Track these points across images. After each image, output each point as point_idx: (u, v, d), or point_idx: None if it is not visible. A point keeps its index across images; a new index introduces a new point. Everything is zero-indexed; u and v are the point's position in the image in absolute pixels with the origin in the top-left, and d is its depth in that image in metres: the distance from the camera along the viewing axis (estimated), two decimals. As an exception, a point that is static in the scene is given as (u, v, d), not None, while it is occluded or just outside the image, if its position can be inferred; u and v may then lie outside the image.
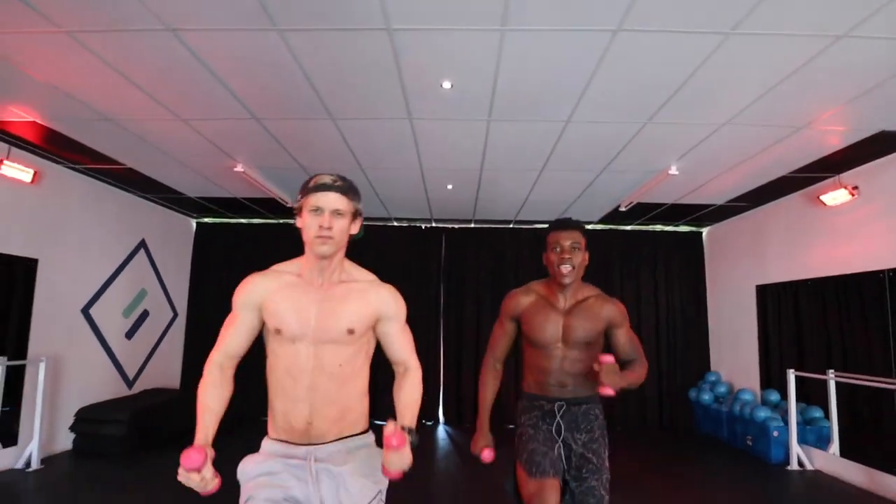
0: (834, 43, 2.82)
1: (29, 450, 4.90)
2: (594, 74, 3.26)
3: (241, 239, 8.00)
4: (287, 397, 1.72)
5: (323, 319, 1.71)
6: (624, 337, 2.23)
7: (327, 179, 1.68)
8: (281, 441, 1.75)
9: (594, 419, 2.20)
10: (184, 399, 6.67)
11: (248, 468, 1.75)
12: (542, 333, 2.17)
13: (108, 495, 4.32)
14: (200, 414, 1.68)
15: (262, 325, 1.82)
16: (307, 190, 1.68)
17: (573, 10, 2.60)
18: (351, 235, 1.76)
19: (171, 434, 6.20)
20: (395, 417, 1.64)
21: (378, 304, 1.78)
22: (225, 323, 1.87)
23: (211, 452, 1.57)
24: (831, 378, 5.16)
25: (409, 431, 1.59)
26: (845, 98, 3.49)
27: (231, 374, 1.86)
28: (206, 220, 8.04)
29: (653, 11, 2.58)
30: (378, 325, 1.80)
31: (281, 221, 7.97)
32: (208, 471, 1.52)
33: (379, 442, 1.68)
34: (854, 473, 4.88)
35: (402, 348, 1.83)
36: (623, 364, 2.20)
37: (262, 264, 7.11)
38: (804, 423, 5.61)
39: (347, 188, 1.70)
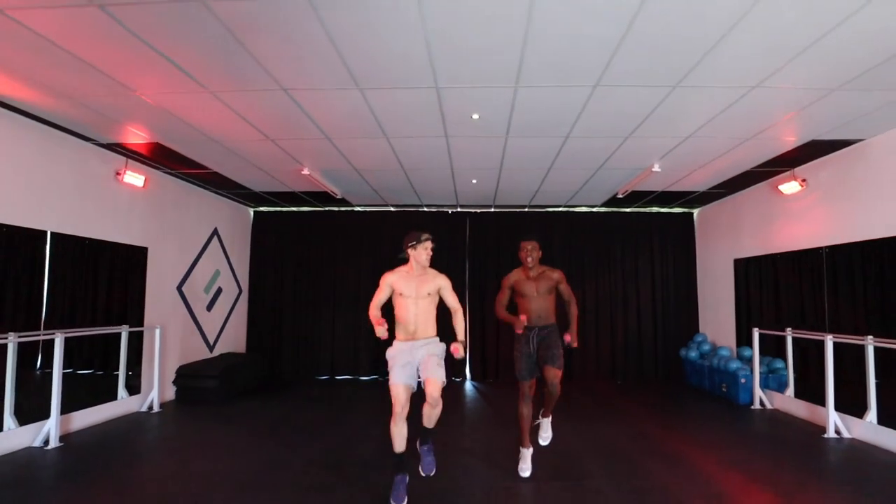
0: (751, 90, 3.98)
1: (151, 397, 6.34)
2: (583, 111, 4.45)
3: (292, 224, 9.33)
4: (405, 322, 3.73)
5: (418, 288, 3.74)
6: (564, 286, 4.24)
7: (429, 236, 3.82)
8: (400, 342, 3.74)
9: (555, 332, 4.15)
10: (252, 360, 8.12)
11: (390, 350, 3.76)
12: (526, 290, 4.18)
13: (221, 426, 5.73)
14: (376, 318, 3.55)
15: (392, 292, 3.77)
16: (421, 239, 3.77)
17: (565, 74, 3.78)
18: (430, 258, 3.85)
19: (248, 388, 7.67)
20: (455, 338, 3.67)
21: (439, 281, 3.83)
22: (377, 290, 3.81)
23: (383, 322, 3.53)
24: (788, 334, 6.34)
25: (461, 342, 3.61)
26: (779, 118, 4.61)
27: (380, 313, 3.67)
28: (262, 208, 9.36)
29: (619, 75, 3.76)
30: (440, 291, 3.84)
31: (327, 209, 9.26)
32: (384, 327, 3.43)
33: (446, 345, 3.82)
34: (801, 409, 6.11)
35: (452, 300, 3.87)
36: (566, 303, 4.25)
37: (311, 246, 8.90)
38: (769, 372, 6.82)
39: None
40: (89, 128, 5.06)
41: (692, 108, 4.44)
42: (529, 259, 4.14)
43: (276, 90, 4.10)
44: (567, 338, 4.07)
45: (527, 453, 4.16)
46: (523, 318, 4.02)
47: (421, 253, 3.71)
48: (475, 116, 4.66)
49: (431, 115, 4.64)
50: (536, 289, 4.14)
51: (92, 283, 5.81)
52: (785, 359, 6.54)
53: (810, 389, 6.13)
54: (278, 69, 3.73)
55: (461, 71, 3.75)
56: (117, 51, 3.47)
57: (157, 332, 6.38)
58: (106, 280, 6.01)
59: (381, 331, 3.40)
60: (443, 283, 3.78)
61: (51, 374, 5.01)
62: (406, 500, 3.52)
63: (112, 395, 6.03)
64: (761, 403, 6.60)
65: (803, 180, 6.04)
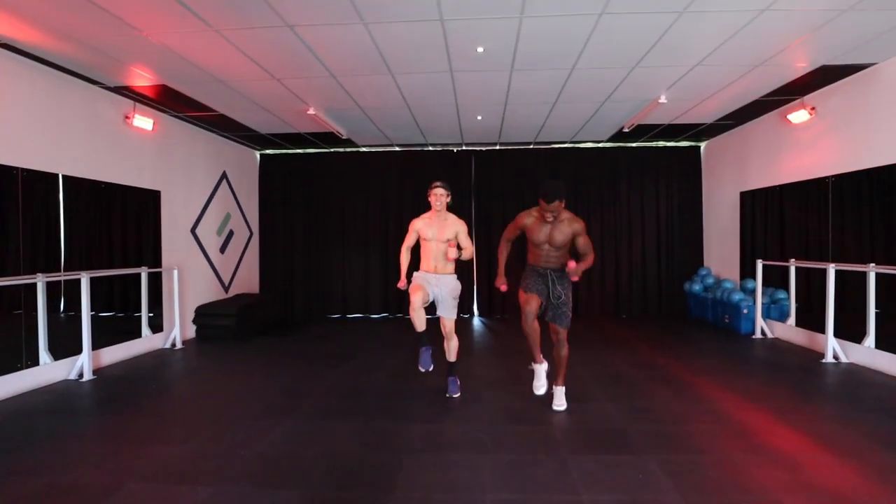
0: (761, 13, 3.91)
1: (173, 334, 6.63)
2: (589, 39, 4.40)
3: (298, 166, 9.39)
4: (428, 258, 4.36)
5: (439, 232, 4.30)
6: (582, 241, 3.85)
7: (438, 183, 4.36)
8: (423, 271, 4.36)
9: (566, 279, 3.95)
10: (266, 300, 8.38)
11: (415, 274, 4.38)
12: (538, 238, 3.90)
13: (240, 361, 6.03)
14: (403, 269, 4.43)
15: (418, 235, 4.39)
16: (431, 186, 4.35)
17: (570, 1, 3.73)
18: (447, 203, 4.35)
19: (265, 325, 7.99)
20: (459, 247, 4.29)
21: (456, 227, 4.34)
22: (406, 234, 4.46)
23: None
24: (791, 265, 6.46)
25: (457, 248, 4.24)
26: (789, 42, 4.53)
27: (409, 253, 4.47)
28: (268, 151, 9.39)
29: (626, 3, 3.71)
30: (457, 235, 4.31)
31: (332, 150, 9.27)
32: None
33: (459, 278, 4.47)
34: (801, 337, 6.32)
35: (465, 242, 4.34)
36: (581, 255, 3.89)
37: (318, 188, 9.04)
38: (771, 302, 6.99)
39: (448, 185, 4.42)
40: (96, 70, 5.06)
41: (700, 35, 4.37)
42: (549, 216, 3.75)
43: (282, 27, 4.07)
44: (571, 264, 3.76)
45: (540, 369, 4.08)
46: (503, 287, 4.15)
47: (431, 199, 4.31)
48: (480, 50, 4.62)
49: (436, 50, 4.60)
50: (550, 238, 3.84)
51: (107, 226, 5.97)
52: (788, 289, 6.68)
53: (811, 318, 6.30)
54: (283, 4, 3.70)
55: (466, 1, 3.71)
56: (120, -13, 3.46)
57: (175, 273, 6.59)
58: (121, 223, 6.17)
59: (402, 284, 4.38)
60: (459, 229, 4.35)
61: (75, 316, 5.25)
62: (432, 367, 4.33)
63: (136, 334, 6.31)
64: (762, 333, 6.82)
65: (812, 108, 5.98)
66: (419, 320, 4.18)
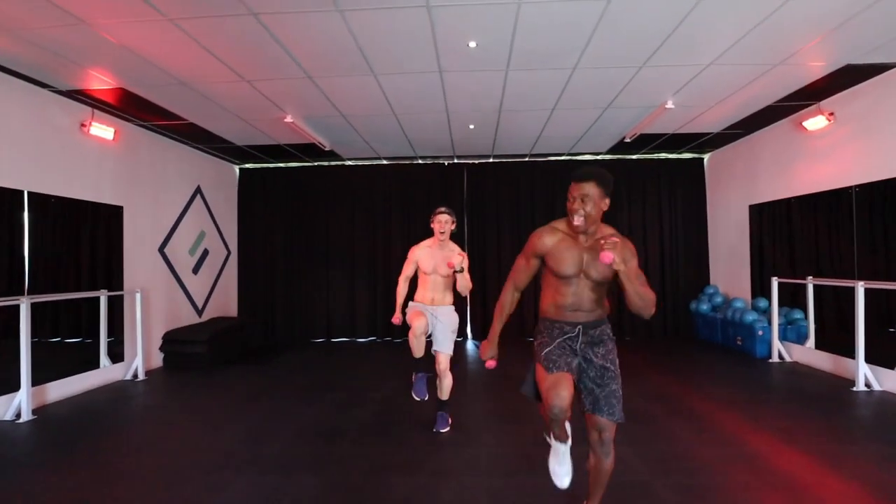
0: (785, 3, 3.45)
1: (135, 364, 5.98)
2: (595, 31, 3.91)
3: (279, 181, 8.84)
4: (425, 289, 4.06)
5: (439, 265, 3.99)
6: (633, 271, 2.30)
7: (443, 209, 4.05)
8: (419, 302, 4.07)
9: (607, 337, 2.45)
10: (243, 324, 7.77)
11: (410, 304, 4.10)
12: (566, 267, 2.36)
13: (207, 394, 5.40)
14: (399, 303, 4.13)
15: (416, 267, 4.10)
16: (435, 212, 4.03)
17: (576, -15, 3.25)
18: (451, 230, 4.11)
19: (240, 352, 7.35)
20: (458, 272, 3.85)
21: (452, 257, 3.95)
22: (405, 263, 4.15)
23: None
24: (809, 282, 5.97)
25: (461, 269, 3.79)
26: (813, 37, 4.08)
27: (407, 284, 4.19)
28: (248, 165, 8.85)
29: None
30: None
31: (316, 164, 8.74)
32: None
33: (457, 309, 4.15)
34: (823, 361, 5.79)
35: (463, 282, 3.92)
36: (631, 298, 2.31)
37: (302, 204, 8.37)
38: (787, 323, 6.48)
39: (453, 212, 4.11)
40: (42, 71, 4.52)
41: (717, 28, 3.91)
42: (576, 217, 2.31)
43: (244, 15, 3.56)
44: (605, 255, 2.15)
45: (563, 449, 2.38)
46: (491, 364, 2.64)
47: (434, 226, 4.00)
48: (472, 44, 4.13)
49: (423, 44, 4.10)
50: (588, 263, 2.36)
51: (63, 245, 5.38)
52: (805, 309, 6.18)
53: (833, 340, 5.80)
54: (242, -16, 3.20)
55: (455, -19, 3.23)
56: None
57: (138, 296, 5.97)
58: (77, 242, 5.58)
59: (396, 319, 4.10)
60: (465, 263, 3.96)
61: (39, 343, 4.75)
62: (427, 396, 4.07)
63: (94, 364, 5.68)
64: (780, 356, 6.29)
65: (831, 114, 5.53)
66: (418, 347, 3.94)
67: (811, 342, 6.06)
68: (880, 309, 5.04)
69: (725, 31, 4.00)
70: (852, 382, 5.02)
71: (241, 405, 4.87)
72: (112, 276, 5.95)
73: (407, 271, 4.11)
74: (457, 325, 4.09)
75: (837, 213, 5.67)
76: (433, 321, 4.01)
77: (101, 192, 5.72)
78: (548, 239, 2.43)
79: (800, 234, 6.35)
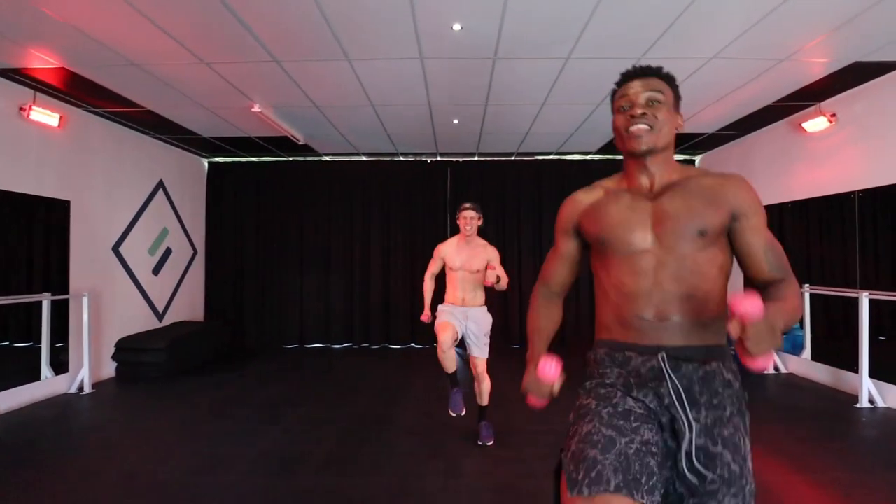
0: (812, -19, 3.11)
1: (80, 376, 5.42)
2: (592, 14, 3.53)
3: (252, 176, 8.30)
4: (454, 289, 3.87)
5: (468, 260, 3.84)
6: (762, 237, 1.35)
7: (468, 205, 3.88)
8: (449, 304, 3.88)
9: (723, 386, 1.30)
10: (209, 329, 7.24)
11: (441, 307, 3.89)
12: (617, 228, 1.38)
13: (159, 411, 4.89)
14: (427, 301, 4.06)
15: (442, 264, 3.98)
16: (459, 208, 3.90)
17: (576, -43, 2.86)
18: (479, 226, 3.98)
19: (203, 360, 6.83)
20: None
21: (487, 254, 3.84)
22: (431, 261, 4.06)
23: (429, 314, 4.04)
24: (806, 291, 5.69)
25: (498, 279, 3.61)
26: (824, 30, 3.77)
27: (434, 282, 4.13)
28: (217, 159, 8.30)
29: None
30: (488, 263, 3.78)
31: (290, 158, 8.23)
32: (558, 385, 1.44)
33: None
34: (821, 374, 5.51)
35: (498, 268, 3.75)
36: (765, 288, 1.33)
37: (275, 202, 7.77)
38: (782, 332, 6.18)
39: (479, 207, 3.94)
40: (-32, 45, 3.99)
41: (724, 15, 3.56)
42: (638, 127, 1.36)
43: (195, -18, 3.10)
44: (755, 363, 1.02)
45: None
46: (533, 400, 1.49)
47: (460, 222, 3.82)
48: (457, 27, 3.71)
49: (402, 24, 3.67)
50: (663, 220, 1.35)
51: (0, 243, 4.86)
52: (801, 318, 5.89)
53: (831, 352, 5.53)
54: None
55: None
56: None
57: (85, 299, 5.41)
58: (16, 239, 5.04)
59: (426, 317, 4.00)
60: (492, 256, 3.83)
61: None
62: (464, 411, 3.84)
63: (34, 375, 5.13)
64: (775, 367, 6.00)
65: (832, 115, 5.25)
66: (449, 361, 3.69)
67: (807, 353, 5.79)
68: (871, 318, 4.77)
69: (731, 21, 3.66)
70: (854, 398, 4.74)
71: (196, 425, 4.37)
72: (58, 277, 5.40)
73: (432, 268, 4.03)
74: (490, 327, 3.88)
75: (838, 219, 5.40)
76: (464, 325, 3.81)
77: (43, 185, 5.16)
78: (583, 197, 1.52)
79: (795, 240, 6.09)
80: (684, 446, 1.22)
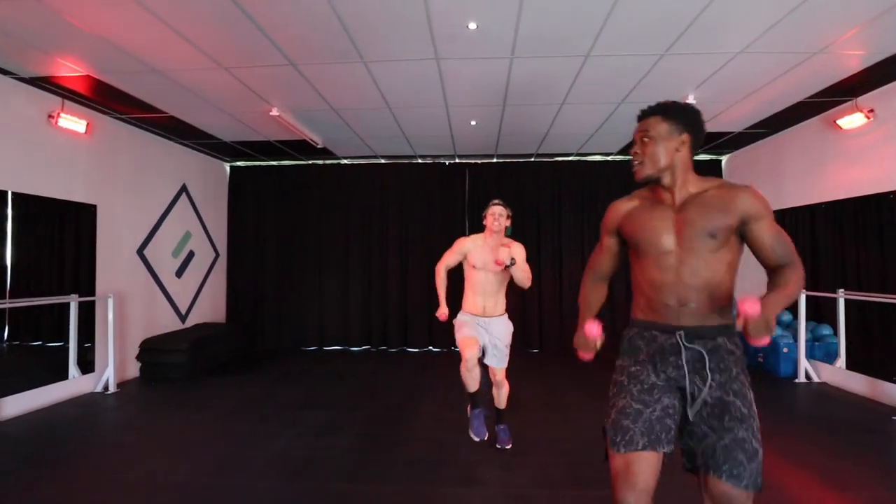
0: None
1: (106, 375, 5.52)
2: (613, 9, 3.43)
3: (273, 180, 8.37)
4: (475, 295, 3.65)
5: (493, 260, 3.49)
6: (769, 233, 1.68)
7: (497, 201, 3.65)
8: (469, 313, 3.67)
9: (729, 354, 1.70)
10: (229, 331, 7.31)
11: (460, 318, 3.67)
12: (648, 233, 1.77)
13: (180, 411, 4.93)
14: (441, 293, 3.81)
15: (464, 259, 3.69)
16: (489, 204, 3.71)
17: (592, -50, 2.78)
18: (508, 228, 3.72)
19: (224, 361, 6.89)
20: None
21: (514, 252, 3.47)
22: (448, 251, 3.78)
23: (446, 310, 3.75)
24: (841, 296, 5.44)
25: (511, 262, 3.34)
26: (861, 20, 3.59)
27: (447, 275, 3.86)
28: (239, 163, 8.40)
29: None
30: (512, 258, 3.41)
31: (310, 162, 8.29)
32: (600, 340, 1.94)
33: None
34: (857, 384, 5.25)
35: (521, 262, 3.49)
36: (774, 272, 1.71)
37: (295, 205, 7.74)
38: (813, 340, 5.94)
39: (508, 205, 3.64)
40: (1, 55, 4.09)
41: (751, 7, 3.42)
42: (638, 161, 1.83)
43: (210, -13, 3.11)
44: (757, 342, 1.48)
45: None
46: (583, 353, 1.95)
47: (487, 220, 3.62)
48: (472, 26, 3.65)
49: (416, 25, 3.63)
50: (683, 226, 1.73)
51: (30, 247, 4.97)
52: (834, 325, 5.64)
53: (866, 360, 5.28)
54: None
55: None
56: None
57: (110, 301, 5.50)
58: (47, 243, 5.17)
59: (442, 314, 3.73)
60: (517, 252, 3.52)
61: (18, 346, 4.53)
62: (487, 435, 3.61)
63: (63, 374, 5.24)
64: (807, 376, 5.75)
65: (870, 111, 5.02)
66: (472, 380, 3.48)
67: (842, 362, 5.53)
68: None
69: (759, 13, 3.52)
70: (892, 409, 4.51)
71: (214, 425, 4.40)
72: (84, 279, 5.52)
73: (448, 259, 3.73)
74: (510, 337, 3.69)
75: (875, 221, 5.14)
76: (485, 338, 3.61)
77: (71, 190, 5.28)
78: (623, 205, 1.93)
79: (828, 243, 5.83)
80: (699, 399, 1.67)
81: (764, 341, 1.46)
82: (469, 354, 3.37)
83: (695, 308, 1.69)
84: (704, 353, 1.68)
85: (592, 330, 1.90)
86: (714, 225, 1.69)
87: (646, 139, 1.79)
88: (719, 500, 1.57)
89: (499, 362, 3.64)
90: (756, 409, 1.67)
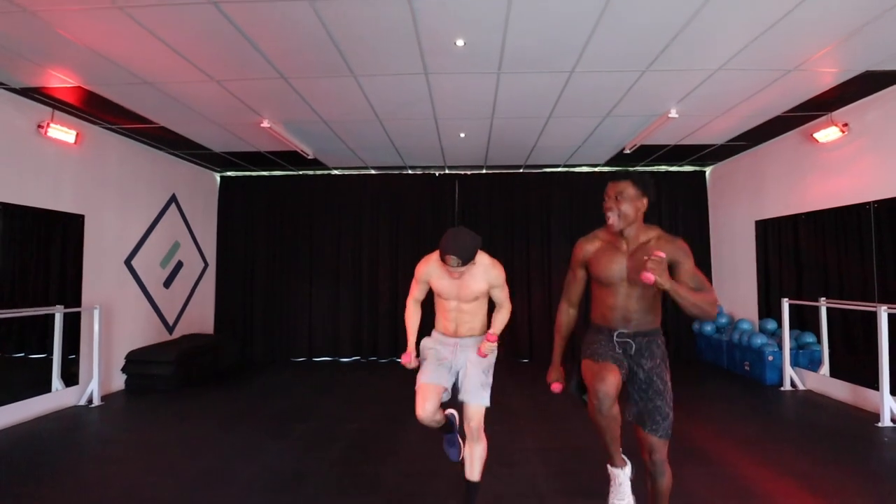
0: (816, -8, 3.09)
1: (90, 388, 5.47)
2: (595, 29, 3.54)
3: (263, 190, 8.40)
4: (446, 317, 2.95)
5: (461, 291, 2.84)
6: (687, 273, 2.27)
7: (454, 263, 2.69)
8: (440, 333, 3.01)
9: (657, 348, 2.37)
10: (218, 342, 7.28)
11: (426, 340, 3.04)
12: (608, 273, 2.36)
13: (165, 425, 4.90)
14: (410, 329, 3.05)
15: (428, 287, 3.01)
16: (445, 255, 2.71)
17: (575, -29, 2.88)
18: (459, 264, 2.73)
19: (212, 373, 6.87)
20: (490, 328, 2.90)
21: (488, 276, 2.83)
22: (412, 282, 3.05)
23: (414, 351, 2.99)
24: (822, 305, 5.57)
25: (494, 337, 2.82)
26: (833, 40, 3.73)
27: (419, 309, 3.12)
28: (229, 173, 8.42)
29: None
30: (491, 291, 2.88)
31: (300, 172, 8.33)
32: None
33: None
34: (841, 391, 5.35)
35: (499, 294, 2.91)
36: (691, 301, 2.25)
37: (286, 215, 7.74)
38: (798, 347, 6.05)
39: (467, 257, 2.72)
40: (-13, 65, 4.12)
41: (728, 28, 3.55)
42: (609, 215, 2.34)
43: (202, 3, 3.16)
44: (646, 275, 2.11)
45: (621, 475, 2.34)
46: (555, 386, 2.59)
47: (445, 267, 2.74)
48: (459, 42, 3.74)
49: (405, 41, 3.71)
50: (632, 269, 2.33)
51: (15, 257, 4.96)
52: (818, 333, 5.76)
53: (849, 367, 5.39)
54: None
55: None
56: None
57: (96, 312, 5.47)
58: (33, 253, 5.15)
59: (407, 360, 2.95)
60: (493, 280, 2.82)
61: (13, 358, 4.49)
62: (464, 453, 2.94)
63: (46, 387, 5.20)
64: (792, 384, 5.86)
65: (845, 125, 5.18)
66: (434, 423, 2.84)
67: (825, 369, 5.64)
68: (891, 332, 4.64)
69: (737, 32, 3.64)
70: (875, 416, 4.59)
71: (200, 438, 4.39)
72: (70, 290, 5.49)
73: (415, 293, 3.02)
74: (493, 361, 2.90)
75: (854, 230, 5.28)
76: (458, 361, 2.89)
77: (59, 200, 5.27)
78: (588, 246, 2.48)
79: (809, 252, 5.97)
80: (641, 374, 2.36)
81: (650, 277, 2.07)
82: (423, 406, 2.73)
83: (635, 321, 2.38)
84: (640, 347, 2.38)
85: (557, 388, 2.59)
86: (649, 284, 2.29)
87: (619, 198, 2.33)
88: (645, 443, 2.35)
89: (475, 397, 2.76)
90: (670, 383, 2.37)
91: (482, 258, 2.81)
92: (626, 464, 2.34)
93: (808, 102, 5.03)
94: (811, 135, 5.58)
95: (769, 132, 6.07)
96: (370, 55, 3.95)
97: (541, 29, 3.55)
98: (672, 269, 2.26)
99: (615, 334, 2.37)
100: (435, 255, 2.84)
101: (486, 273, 2.80)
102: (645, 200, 2.34)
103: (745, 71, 4.26)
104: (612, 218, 2.32)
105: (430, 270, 2.89)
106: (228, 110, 5.17)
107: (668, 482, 2.35)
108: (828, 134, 5.35)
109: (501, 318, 2.93)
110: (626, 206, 2.30)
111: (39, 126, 4.98)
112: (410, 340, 2.98)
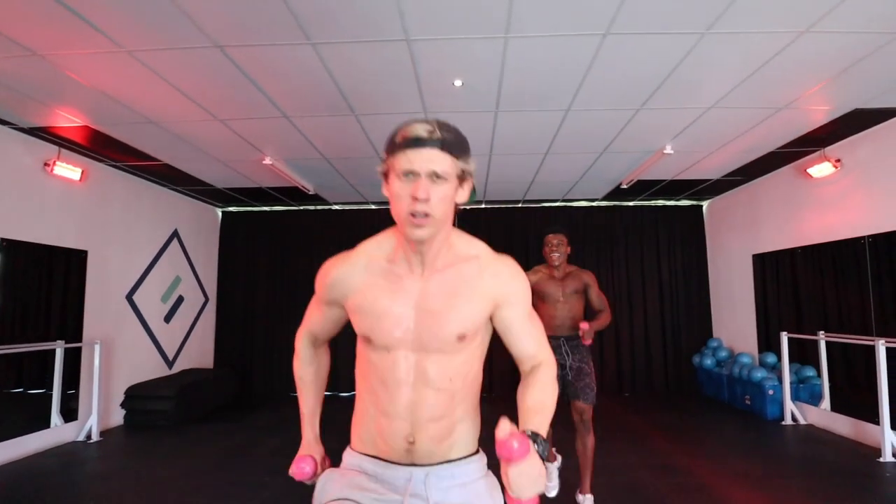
0: (800, 36, 3.20)
1: (89, 424, 5.43)
2: (588, 71, 3.65)
3: (264, 225, 8.48)
4: (381, 411, 1.34)
5: (425, 324, 1.30)
6: (595, 294, 3.64)
7: (422, 131, 1.21)
8: (370, 457, 1.37)
9: (582, 347, 3.56)
10: (218, 377, 7.24)
11: (326, 476, 1.48)
12: (548, 291, 3.60)
13: (164, 461, 4.84)
14: (301, 398, 1.60)
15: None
16: (394, 146, 1.24)
17: (567, 19, 2.99)
18: (457, 205, 1.33)
19: (212, 408, 6.81)
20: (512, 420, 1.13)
21: (495, 288, 1.36)
22: (310, 303, 1.56)
23: (320, 451, 1.56)
24: (821, 339, 5.56)
25: (535, 439, 1.12)
26: (823, 78, 3.83)
27: (325, 349, 1.70)
28: (231, 209, 8.51)
29: (636, 18, 2.97)
30: (496, 314, 1.36)
31: (301, 207, 8.42)
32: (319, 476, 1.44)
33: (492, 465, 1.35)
34: (843, 425, 5.30)
35: (530, 339, 1.39)
36: (595, 313, 3.62)
37: (286, 250, 7.80)
38: (798, 381, 6.01)
39: (451, 142, 1.25)
40: (1, 108, 4.23)
41: (721, 66, 3.64)
42: (555, 256, 3.59)
43: (208, 47, 3.28)
44: (584, 325, 3.40)
45: (551, 467, 3.67)
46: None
47: (403, 193, 1.20)
48: (458, 83, 3.86)
49: (405, 82, 3.83)
50: (562, 290, 3.58)
51: (17, 292, 5.00)
52: (817, 367, 5.73)
53: (850, 402, 5.35)
54: (201, 13, 2.91)
55: (436, 14, 2.95)
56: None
57: (97, 347, 5.47)
58: (35, 288, 5.18)
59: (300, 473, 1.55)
60: (505, 290, 1.43)
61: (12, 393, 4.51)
62: None
63: (45, 423, 5.16)
64: (793, 418, 5.80)
65: (837, 160, 5.27)
66: None
67: (826, 403, 5.59)
68: (890, 366, 4.64)
69: (726, 73, 3.76)
70: (877, 451, 4.54)
71: (199, 475, 4.33)
72: (71, 325, 5.50)
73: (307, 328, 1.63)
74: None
75: (851, 265, 5.31)
76: None
77: (63, 236, 5.33)
78: (532, 277, 3.58)
79: (807, 286, 5.99)
80: (574, 364, 3.47)
81: (588, 340, 3.43)
82: None
83: (568, 327, 3.54)
84: (572, 346, 3.53)
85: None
86: (576, 288, 3.59)
87: (561, 246, 3.59)
88: (580, 411, 3.36)
89: None
90: (593, 367, 3.53)
91: (480, 247, 1.77)
92: (556, 458, 3.68)
93: (801, 139, 5.14)
94: (805, 170, 5.67)
95: (764, 167, 6.17)
96: (371, 95, 4.07)
97: (536, 70, 3.66)
98: (586, 290, 3.61)
99: (561, 340, 3.52)
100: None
101: (492, 276, 1.42)
102: (569, 248, 3.63)
103: (737, 109, 4.37)
104: (557, 258, 3.57)
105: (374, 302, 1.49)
106: (231, 148, 5.27)
107: (593, 438, 3.41)
108: (821, 169, 5.44)
109: (540, 391, 1.30)
110: (564, 251, 3.59)
111: (46, 164, 5.08)
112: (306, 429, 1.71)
